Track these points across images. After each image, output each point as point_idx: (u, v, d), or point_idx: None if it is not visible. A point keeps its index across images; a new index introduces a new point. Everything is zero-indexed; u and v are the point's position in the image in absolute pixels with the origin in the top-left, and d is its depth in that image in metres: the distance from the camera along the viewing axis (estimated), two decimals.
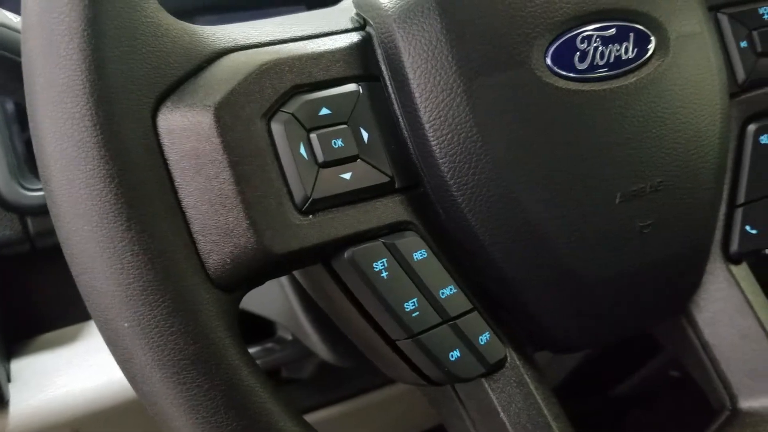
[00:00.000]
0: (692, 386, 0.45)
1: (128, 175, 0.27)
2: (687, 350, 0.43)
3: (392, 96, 0.33)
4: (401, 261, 0.32)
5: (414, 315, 0.32)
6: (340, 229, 0.31)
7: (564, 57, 0.33)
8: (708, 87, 0.37)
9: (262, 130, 0.29)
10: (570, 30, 0.34)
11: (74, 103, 0.27)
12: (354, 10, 0.34)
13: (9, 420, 0.54)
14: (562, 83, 0.33)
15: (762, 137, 0.42)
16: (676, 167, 0.36)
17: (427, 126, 0.32)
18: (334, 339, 0.56)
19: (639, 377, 0.95)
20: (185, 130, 0.28)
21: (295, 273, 0.37)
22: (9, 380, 0.58)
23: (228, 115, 0.29)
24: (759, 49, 0.41)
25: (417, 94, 0.32)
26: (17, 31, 0.38)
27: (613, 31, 0.34)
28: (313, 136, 0.30)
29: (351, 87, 0.32)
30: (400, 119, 0.33)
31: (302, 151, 0.30)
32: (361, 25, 0.34)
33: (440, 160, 0.32)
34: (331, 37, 0.33)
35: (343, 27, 0.34)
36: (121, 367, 0.29)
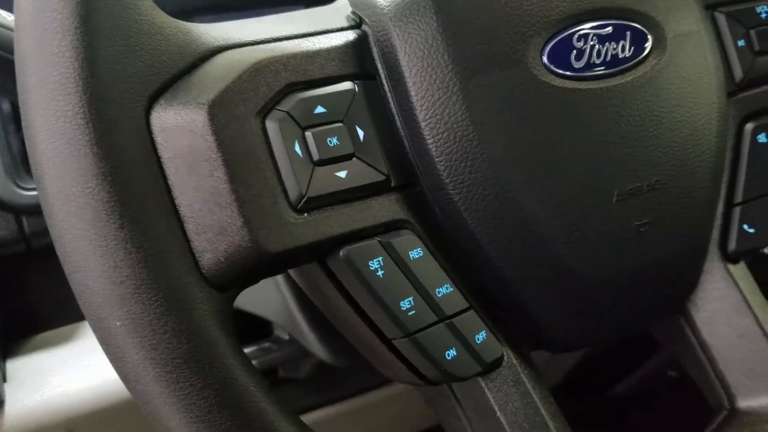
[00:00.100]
0: (690, 386, 0.45)
1: (121, 173, 0.27)
2: (685, 349, 0.43)
3: (388, 94, 0.33)
4: (397, 260, 0.32)
5: (410, 314, 0.32)
6: (336, 228, 0.31)
7: (560, 55, 0.33)
8: (705, 86, 0.37)
9: (256, 128, 0.29)
10: (566, 28, 0.33)
11: (67, 100, 0.26)
12: (350, 9, 0.34)
13: (4, 420, 0.54)
14: (558, 82, 0.33)
15: (759, 136, 0.42)
16: (673, 166, 0.36)
17: (423, 124, 0.32)
18: (331, 338, 0.56)
19: (637, 377, 0.95)
20: (179, 128, 0.28)
21: (291, 272, 0.36)
22: (4, 380, 0.58)
23: (222, 113, 0.28)
24: (756, 47, 0.41)
25: (413, 93, 0.32)
26: (12, 29, 0.38)
27: (609, 29, 0.34)
28: (308, 134, 0.30)
29: (346, 85, 0.32)
30: (396, 117, 0.33)
31: (297, 149, 0.30)
32: (356, 24, 0.34)
33: (436, 159, 0.32)
34: (326, 35, 0.33)
35: (338, 25, 0.33)
36: (114, 366, 0.29)
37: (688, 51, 0.36)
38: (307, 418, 0.67)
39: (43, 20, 0.27)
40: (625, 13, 0.35)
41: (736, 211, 0.41)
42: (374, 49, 0.33)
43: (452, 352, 0.33)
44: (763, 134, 0.42)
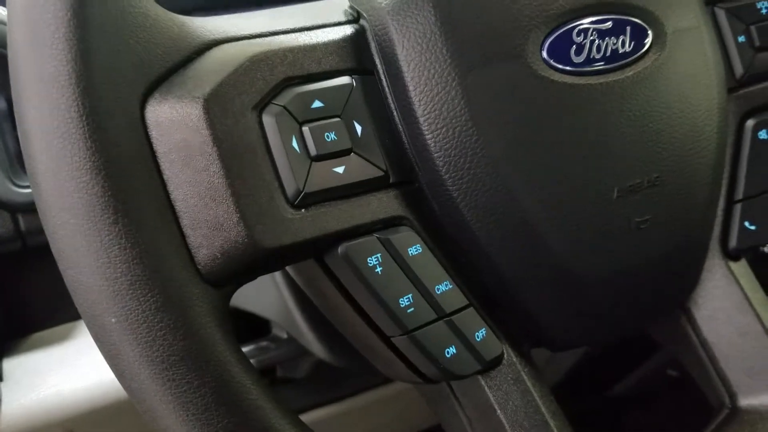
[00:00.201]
0: (691, 385, 0.44)
1: (115, 167, 0.27)
2: (685, 348, 0.42)
3: (386, 89, 0.32)
4: (396, 256, 0.32)
5: (409, 311, 0.32)
6: (333, 224, 0.30)
7: (560, 50, 0.33)
8: (705, 82, 0.37)
9: (252, 122, 0.29)
10: (566, 23, 0.33)
11: (60, 93, 0.26)
12: (347, 3, 0.34)
13: (1, 420, 0.54)
14: (558, 77, 0.33)
15: (761, 132, 0.42)
16: (673, 162, 0.36)
17: (421, 120, 0.32)
18: (330, 337, 0.56)
19: (637, 377, 0.95)
20: (174, 122, 0.28)
21: (289, 269, 0.36)
22: (1, 379, 0.57)
23: (217, 107, 0.28)
24: (757, 43, 0.41)
25: (411, 88, 0.32)
26: (5, 23, 0.38)
27: (609, 24, 0.34)
28: (305, 129, 0.30)
29: (344, 80, 0.32)
30: (395, 113, 0.33)
31: (294, 144, 0.30)
32: (354, 18, 0.33)
33: (435, 155, 0.32)
34: (324, 29, 0.32)
35: (336, 19, 0.33)
36: (108, 364, 0.29)
37: (688, 46, 0.36)
38: (306, 417, 0.67)
39: (36, 13, 0.26)
40: (625, 8, 0.34)
41: (737, 208, 0.41)
42: (372, 44, 0.32)
43: (452, 350, 0.33)
44: (764, 131, 0.42)
